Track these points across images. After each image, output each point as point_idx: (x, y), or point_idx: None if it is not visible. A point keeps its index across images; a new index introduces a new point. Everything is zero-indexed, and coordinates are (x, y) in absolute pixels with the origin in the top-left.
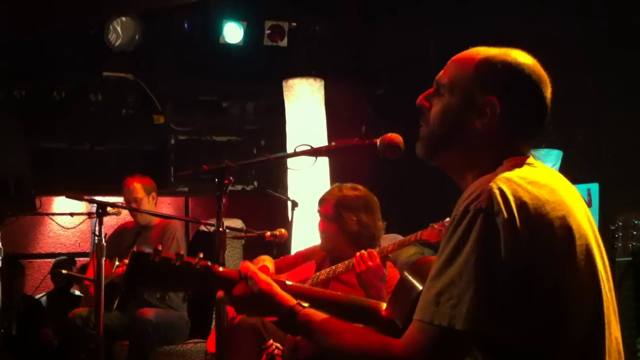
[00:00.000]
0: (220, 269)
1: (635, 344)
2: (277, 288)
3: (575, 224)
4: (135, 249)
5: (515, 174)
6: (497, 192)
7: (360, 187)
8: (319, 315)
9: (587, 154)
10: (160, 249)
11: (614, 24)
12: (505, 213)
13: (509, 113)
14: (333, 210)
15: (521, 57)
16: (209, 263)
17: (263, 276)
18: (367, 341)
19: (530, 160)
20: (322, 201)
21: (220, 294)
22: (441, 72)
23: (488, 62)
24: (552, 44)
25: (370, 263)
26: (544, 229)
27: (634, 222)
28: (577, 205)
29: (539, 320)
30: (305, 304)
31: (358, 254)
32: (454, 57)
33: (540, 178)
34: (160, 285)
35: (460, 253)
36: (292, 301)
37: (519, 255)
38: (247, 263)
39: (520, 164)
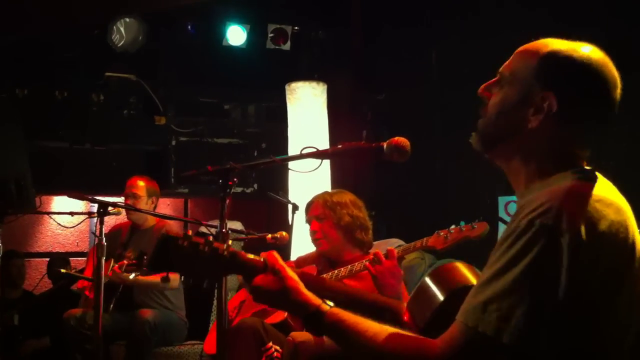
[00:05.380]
0: (250, 256)
1: None
2: (303, 287)
3: (638, 244)
4: (164, 231)
5: (584, 191)
6: (566, 210)
7: (346, 191)
8: (348, 315)
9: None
10: (190, 234)
11: (613, 38)
12: (572, 233)
13: (567, 113)
14: (322, 208)
15: (592, 54)
16: (237, 250)
17: (291, 273)
18: (402, 341)
19: (591, 171)
20: (309, 205)
21: (239, 278)
22: (506, 63)
23: (552, 56)
24: None
25: (387, 263)
26: (607, 252)
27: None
28: (633, 221)
29: (586, 345)
30: (331, 303)
31: (374, 253)
32: (521, 48)
33: (606, 194)
34: (185, 269)
35: (517, 265)
36: (318, 301)
37: (579, 278)
38: (275, 255)
39: (586, 178)
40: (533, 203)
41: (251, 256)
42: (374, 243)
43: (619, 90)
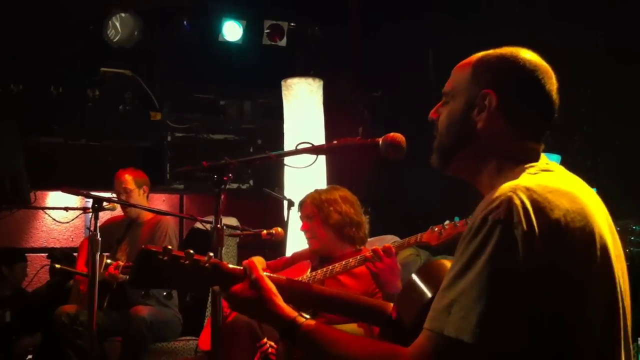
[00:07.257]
0: (230, 266)
1: (633, 347)
2: (279, 299)
3: (597, 233)
4: (143, 247)
5: (535, 182)
6: (517, 202)
7: (339, 187)
8: (322, 326)
9: (584, 159)
10: (170, 247)
11: (611, 36)
12: (524, 225)
13: (509, 106)
14: (311, 207)
15: (520, 51)
16: (218, 261)
17: (269, 283)
18: (374, 350)
19: (548, 164)
20: (301, 204)
21: (216, 288)
22: (447, 82)
23: (484, 59)
24: (551, 54)
25: (387, 260)
26: (563, 242)
27: (632, 228)
28: (598, 212)
29: (552, 337)
30: (307, 315)
31: (373, 250)
32: (457, 65)
33: (560, 185)
34: (167, 284)
35: (475, 263)
36: (294, 313)
37: (536, 269)
38: (255, 263)
39: (538, 170)
40: (487, 200)
41: (232, 266)
42: (370, 239)
43: (554, 82)
